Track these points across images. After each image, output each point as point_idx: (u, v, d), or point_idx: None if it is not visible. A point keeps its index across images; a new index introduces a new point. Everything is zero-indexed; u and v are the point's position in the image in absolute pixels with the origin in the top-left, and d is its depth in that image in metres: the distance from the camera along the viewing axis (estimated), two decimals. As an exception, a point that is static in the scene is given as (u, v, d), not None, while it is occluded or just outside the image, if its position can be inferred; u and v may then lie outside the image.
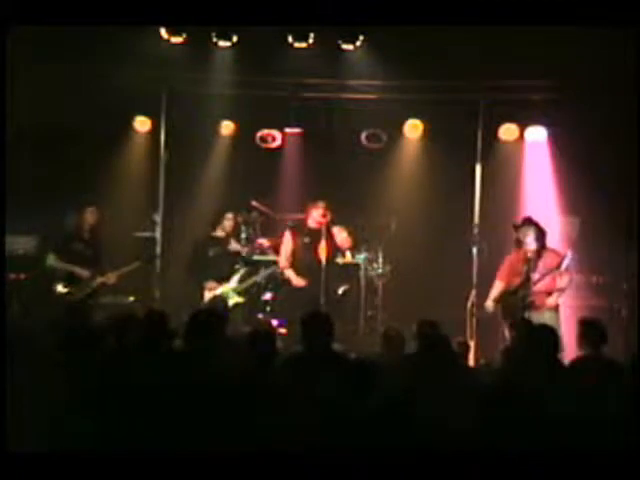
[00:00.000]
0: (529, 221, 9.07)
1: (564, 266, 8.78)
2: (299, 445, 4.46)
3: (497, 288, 9.08)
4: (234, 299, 9.82)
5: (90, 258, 9.60)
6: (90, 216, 9.69)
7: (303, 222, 9.73)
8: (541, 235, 8.95)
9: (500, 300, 8.99)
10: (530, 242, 8.93)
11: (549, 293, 8.80)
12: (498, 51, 10.07)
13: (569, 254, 8.86)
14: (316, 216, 9.53)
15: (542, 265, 8.83)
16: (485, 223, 10.91)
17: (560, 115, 10.69)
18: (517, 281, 8.91)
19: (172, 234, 11.23)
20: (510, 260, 9.13)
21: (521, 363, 5.93)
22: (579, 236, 10.72)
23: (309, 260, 9.53)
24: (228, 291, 9.82)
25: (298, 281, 9.58)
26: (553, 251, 8.98)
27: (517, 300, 8.80)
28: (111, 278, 9.60)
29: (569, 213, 10.88)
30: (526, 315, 8.55)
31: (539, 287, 8.76)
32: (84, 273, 9.45)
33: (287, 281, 9.78)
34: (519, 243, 9.02)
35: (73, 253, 9.57)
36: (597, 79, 10.08)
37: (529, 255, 8.86)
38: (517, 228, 9.08)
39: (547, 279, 8.77)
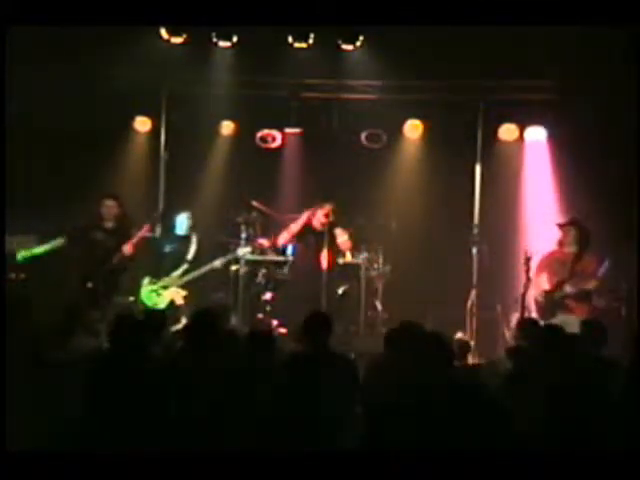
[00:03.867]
0: (572, 223, 9.10)
1: (599, 273, 8.81)
2: (297, 444, 4.46)
3: (541, 281, 9.04)
4: (163, 297, 9.75)
5: (111, 249, 9.65)
6: (112, 207, 9.74)
7: (308, 221, 9.79)
8: (583, 239, 8.97)
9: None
10: (569, 244, 8.96)
11: (580, 298, 8.83)
12: (498, 51, 10.07)
13: (606, 262, 8.88)
14: (320, 216, 9.62)
15: (578, 269, 8.86)
16: (485, 223, 10.93)
17: (560, 115, 10.70)
18: (554, 280, 8.92)
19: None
20: (547, 258, 9.15)
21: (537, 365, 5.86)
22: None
23: (311, 260, 9.59)
24: (156, 289, 9.79)
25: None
26: (592, 256, 8.99)
27: (549, 301, 8.85)
28: (128, 249, 9.62)
29: (568, 213, 10.87)
30: (557, 316, 8.60)
31: (571, 290, 8.80)
32: None
33: (286, 282, 9.80)
34: (560, 243, 9.06)
35: (92, 242, 9.66)
36: (597, 79, 10.08)
37: (564, 257, 8.90)
38: (560, 227, 9.12)
39: (580, 284, 8.80)
